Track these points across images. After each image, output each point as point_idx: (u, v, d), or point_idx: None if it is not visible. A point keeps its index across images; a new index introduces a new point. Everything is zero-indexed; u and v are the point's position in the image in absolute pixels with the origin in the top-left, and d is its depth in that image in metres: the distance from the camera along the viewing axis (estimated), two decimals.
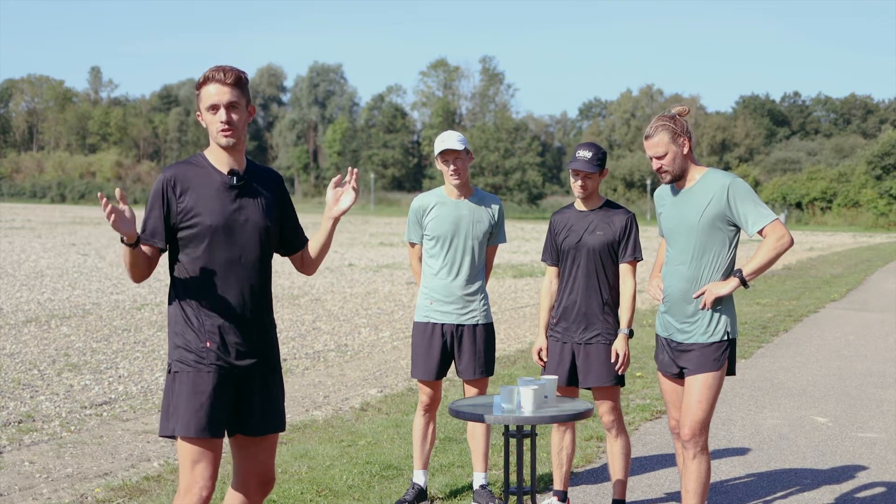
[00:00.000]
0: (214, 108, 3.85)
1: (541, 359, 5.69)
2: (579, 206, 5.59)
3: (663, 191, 5.03)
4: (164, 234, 3.87)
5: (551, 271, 5.71)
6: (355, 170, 4.14)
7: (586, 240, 5.48)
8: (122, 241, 3.73)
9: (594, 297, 5.49)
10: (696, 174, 4.88)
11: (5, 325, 13.07)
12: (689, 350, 4.88)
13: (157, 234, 3.86)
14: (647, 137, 4.87)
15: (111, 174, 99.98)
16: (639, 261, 5.53)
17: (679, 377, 5.00)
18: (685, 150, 4.83)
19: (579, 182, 5.46)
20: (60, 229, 41.22)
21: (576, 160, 5.44)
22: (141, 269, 3.83)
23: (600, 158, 5.44)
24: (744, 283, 4.79)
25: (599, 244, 5.46)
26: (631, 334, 5.48)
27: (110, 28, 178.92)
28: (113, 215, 3.63)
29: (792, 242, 4.75)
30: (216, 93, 3.84)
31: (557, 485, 5.71)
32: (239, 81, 3.87)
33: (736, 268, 4.86)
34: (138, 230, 3.82)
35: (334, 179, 4.07)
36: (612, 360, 5.45)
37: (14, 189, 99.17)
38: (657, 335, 5.09)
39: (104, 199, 3.60)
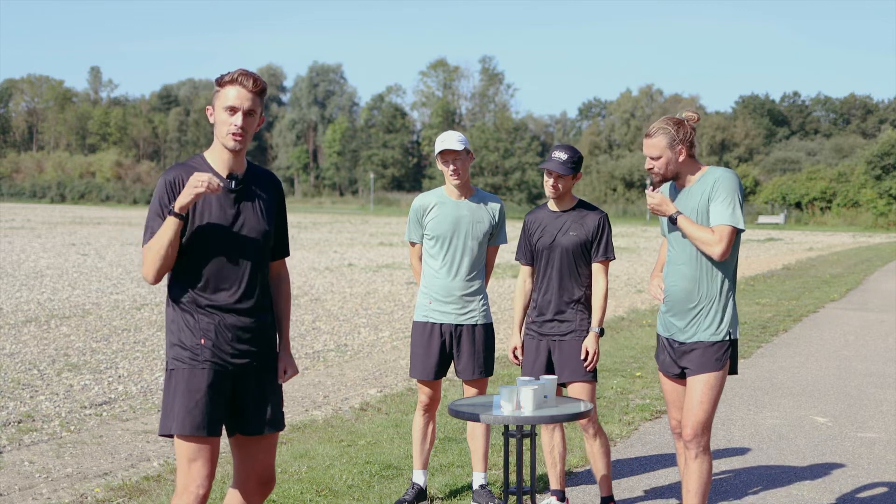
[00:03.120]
0: (233, 109, 3.87)
1: (516, 357, 5.75)
2: (552, 206, 5.67)
3: (665, 190, 5.03)
4: None
5: (525, 270, 5.80)
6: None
7: (560, 240, 5.56)
8: (173, 212, 3.75)
9: (567, 295, 5.58)
10: (697, 174, 4.86)
11: (5, 325, 13.07)
12: (691, 350, 4.87)
13: None
14: (647, 135, 4.87)
15: (111, 174, 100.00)
16: (611, 260, 5.62)
17: (680, 377, 4.99)
18: (680, 158, 4.82)
19: (551, 182, 5.53)
20: (60, 229, 41.20)
21: (550, 160, 5.52)
22: (173, 255, 3.80)
23: (575, 162, 5.51)
24: (601, 332, 5.52)
25: (573, 244, 5.54)
26: (601, 332, 5.58)
27: (110, 28, 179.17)
28: (210, 185, 3.71)
29: (719, 257, 4.71)
30: (237, 96, 3.86)
31: (554, 484, 5.72)
32: (262, 92, 3.92)
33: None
34: (144, 233, 3.87)
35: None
36: (582, 357, 5.51)
37: (14, 189, 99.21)
38: (658, 335, 5.09)
39: (214, 179, 3.71)
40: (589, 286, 5.60)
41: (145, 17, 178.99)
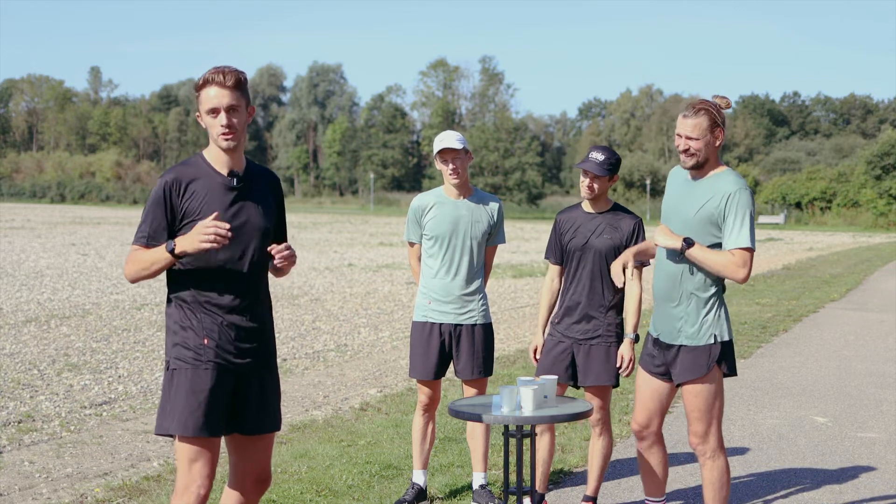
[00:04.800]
0: (215, 111, 3.84)
1: (536, 357, 5.70)
2: (587, 207, 5.58)
3: (677, 173, 4.91)
4: (166, 238, 3.85)
5: (554, 270, 5.70)
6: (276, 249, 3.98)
7: (593, 242, 5.47)
8: (173, 251, 3.76)
9: (597, 298, 5.49)
10: (713, 170, 4.74)
11: (5, 325, 13.07)
12: (675, 354, 4.81)
13: (160, 238, 3.84)
14: (685, 116, 4.67)
15: (111, 174, 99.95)
16: (645, 266, 5.49)
17: (662, 377, 4.91)
18: (717, 143, 4.69)
19: (587, 182, 5.45)
20: (60, 229, 41.20)
21: (587, 161, 5.44)
22: (154, 276, 3.90)
23: (612, 164, 5.43)
24: (636, 338, 5.40)
25: (606, 247, 5.45)
26: (637, 339, 5.48)
27: (110, 28, 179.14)
28: (219, 240, 3.70)
29: (743, 281, 4.63)
30: (216, 96, 3.82)
31: (536, 486, 5.67)
32: (239, 83, 3.85)
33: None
34: (138, 233, 3.88)
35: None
36: (618, 365, 5.44)
37: (14, 189, 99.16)
38: (648, 333, 5.04)
39: (221, 227, 3.70)
40: (620, 291, 5.51)
41: (145, 17, 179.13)
